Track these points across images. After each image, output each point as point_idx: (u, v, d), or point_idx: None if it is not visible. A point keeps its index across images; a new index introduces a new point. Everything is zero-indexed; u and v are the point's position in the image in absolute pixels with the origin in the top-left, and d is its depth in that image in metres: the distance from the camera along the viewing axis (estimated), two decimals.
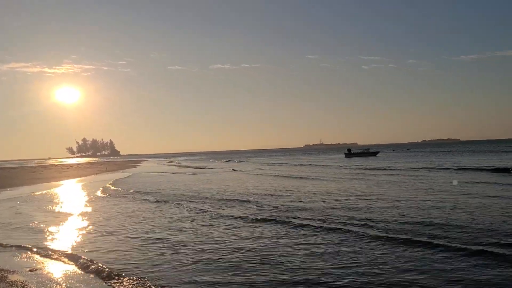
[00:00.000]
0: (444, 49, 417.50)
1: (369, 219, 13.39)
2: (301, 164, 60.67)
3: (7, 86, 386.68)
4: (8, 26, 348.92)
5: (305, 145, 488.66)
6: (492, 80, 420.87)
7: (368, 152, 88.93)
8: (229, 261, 9.27)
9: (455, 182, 19.73)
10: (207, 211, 16.70)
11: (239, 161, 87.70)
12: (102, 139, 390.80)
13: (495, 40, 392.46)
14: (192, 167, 66.31)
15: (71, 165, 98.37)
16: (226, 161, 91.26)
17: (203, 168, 62.51)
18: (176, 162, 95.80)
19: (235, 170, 51.90)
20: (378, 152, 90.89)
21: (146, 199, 22.21)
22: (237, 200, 20.12)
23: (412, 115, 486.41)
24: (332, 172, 38.99)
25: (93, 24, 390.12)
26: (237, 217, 14.91)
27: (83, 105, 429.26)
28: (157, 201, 20.74)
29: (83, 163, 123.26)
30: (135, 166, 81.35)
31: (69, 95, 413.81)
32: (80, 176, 49.08)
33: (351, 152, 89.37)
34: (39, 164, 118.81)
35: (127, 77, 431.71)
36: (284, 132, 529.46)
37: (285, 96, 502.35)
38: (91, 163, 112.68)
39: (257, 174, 41.23)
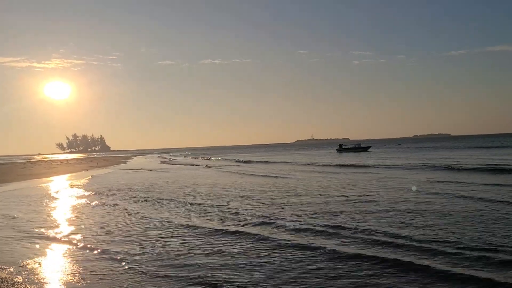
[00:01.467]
0: (433, 45, 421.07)
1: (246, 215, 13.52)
2: (275, 162, 56.62)
3: None
4: None
5: (297, 140, 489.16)
6: (482, 76, 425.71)
7: (359, 147, 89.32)
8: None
9: (414, 188, 19.66)
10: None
11: (213, 159, 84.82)
12: (92, 135, 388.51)
13: (484, 36, 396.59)
14: (177, 164, 66.12)
15: (61, 161, 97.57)
16: (208, 158, 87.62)
17: (187, 164, 61.77)
18: (169, 159, 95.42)
19: (209, 166, 51.65)
20: (369, 147, 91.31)
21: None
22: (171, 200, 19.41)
23: (403, 110, 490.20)
24: (302, 170, 37.45)
25: (82, 18, 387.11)
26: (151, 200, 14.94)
27: (73, 100, 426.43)
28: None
29: (73, 159, 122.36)
30: (125, 162, 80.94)
31: (58, 90, 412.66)
32: (70, 172, 48.70)
33: (342, 147, 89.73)
34: (29, 160, 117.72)
35: (117, 72, 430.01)
36: (276, 127, 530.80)
37: (276, 91, 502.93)
38: (82, 159, 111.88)
39: (225, 171, 40.06)
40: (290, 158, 67.61)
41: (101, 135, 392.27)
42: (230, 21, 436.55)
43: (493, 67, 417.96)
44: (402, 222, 11.88)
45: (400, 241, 9.66)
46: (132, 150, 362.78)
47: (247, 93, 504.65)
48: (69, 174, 44.22)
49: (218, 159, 74.68)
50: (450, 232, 10.49)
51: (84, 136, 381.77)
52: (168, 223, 13.30)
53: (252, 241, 10.42)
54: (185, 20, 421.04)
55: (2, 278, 8.15)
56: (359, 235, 10.44)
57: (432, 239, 9.75)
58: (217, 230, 11.80)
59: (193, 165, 58.32)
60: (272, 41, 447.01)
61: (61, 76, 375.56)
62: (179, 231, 12.04)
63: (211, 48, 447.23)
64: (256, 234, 11.04)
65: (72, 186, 29.23)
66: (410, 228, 11.05)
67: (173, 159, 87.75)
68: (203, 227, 12.31)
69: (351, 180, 25.59)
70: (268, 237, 10.73)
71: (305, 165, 45.53)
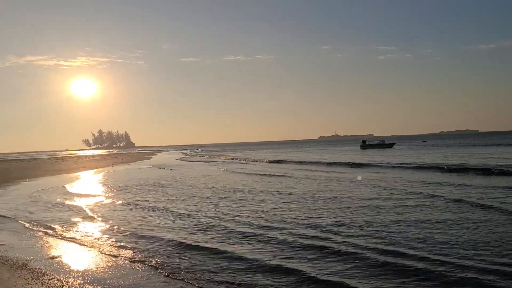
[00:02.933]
0: (461, 38, 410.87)
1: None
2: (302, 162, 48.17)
3: (24, 79, 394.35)
4: (24, 20, 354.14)
5: (320, 136, 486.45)
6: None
7: (383, 143, 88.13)
8: None
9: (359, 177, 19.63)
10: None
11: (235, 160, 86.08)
12: (117, 131, 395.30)
13: None
14: (196, 161, 66.69)
15: (87, 157, 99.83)
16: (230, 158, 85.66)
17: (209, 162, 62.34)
18: (187, 154, 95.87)
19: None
20: (394, 144, 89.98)
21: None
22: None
23: (429, 106, 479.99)
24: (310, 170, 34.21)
25: (106, 17, 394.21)
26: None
27: (99, 97, 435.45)
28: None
29: (99, 155, 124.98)
30: (150, 158, 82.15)
31: (84, 87, 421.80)
32: (96, 168, 49.82)
33: (366, 143, 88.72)
34: (57, 156, 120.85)
35: (141, 69, 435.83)
36: (299, 124, 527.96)
37: (299, 87, 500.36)
38: (107, 155, 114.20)
39: (226, 170, 37.80)
40: (317, 156, 65.96)
41: (125, 132, 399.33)
42: (252, 18, 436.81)
43: None
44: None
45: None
46: (156, 146, 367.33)
47: (270, 89, 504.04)
48: (95, 169, 45.30)
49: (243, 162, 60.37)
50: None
51: (109, 133, 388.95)
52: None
53: None
54: (208, 18, 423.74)
55: (33, 269, 8.47)
56: None
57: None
58: None
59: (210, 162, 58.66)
60: (295, 37, 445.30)
61: (87, 73, 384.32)
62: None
63: (233, 45, 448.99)
64: None
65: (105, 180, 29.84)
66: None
67: (195, 156, 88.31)
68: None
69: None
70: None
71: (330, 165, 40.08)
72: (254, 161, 54.07)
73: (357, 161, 40.50)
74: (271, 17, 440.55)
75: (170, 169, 41.13)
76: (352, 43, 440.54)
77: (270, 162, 49.49)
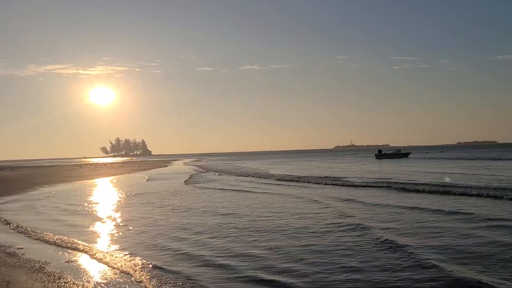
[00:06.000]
0: (479, 49, 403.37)
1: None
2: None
3: (44, 87, 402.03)
4: (43, 29, 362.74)
5: (336, 146, 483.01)
6: None
7: (399, 153, 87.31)
8: None
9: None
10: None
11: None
12: (134, 139, 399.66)
13: None
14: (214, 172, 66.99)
15: (104, 164, 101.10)
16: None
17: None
18: (204, 161, 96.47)
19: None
20: (409, 153, 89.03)
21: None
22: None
23: (446, 117, 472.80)
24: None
25: (124, 26, 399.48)
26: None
27: (116, 105, 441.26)
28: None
29: (116, 162, 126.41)
30: (166, 166, 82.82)
31: (102, 96, 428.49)
32: (114, 175, 50.45)
33: (381, 153, 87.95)
34: (75, 163, 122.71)
35: (158, 78, 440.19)
36: (315, 133, 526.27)
37: (315, 97, 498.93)
38: (124, 163, 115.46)
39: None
40: (329, 170, 66.18)
41: (142, 140, 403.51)
42: (268, 28, 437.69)
43: None
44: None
45: None
46: (172, 155, 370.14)
47: (286, 99, 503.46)
48: (113, 176, 45.87)
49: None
50: None
51: (127, 141, 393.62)
52: None
53: None
54: (224, 27, 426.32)
55: (49, 273, 8.65)
56: None
57: None
58: None
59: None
60: (310, 47, 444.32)
61: (105, 82, 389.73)
62: None
63: (249, 54, 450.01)
64: None
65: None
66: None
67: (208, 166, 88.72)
68: None
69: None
70: None
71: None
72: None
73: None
74: (286, 27, 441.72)
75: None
76: (367, 53, 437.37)
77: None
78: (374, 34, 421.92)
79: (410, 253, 9.21)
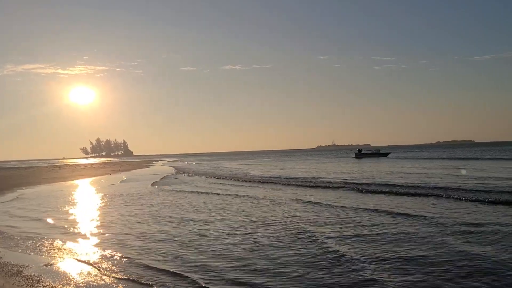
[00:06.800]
0: (456, 50, 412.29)
1: None
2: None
3: (21, 87, 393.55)
4: (22, 28, 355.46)
5: (318, 146, 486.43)
6: (508, 81, 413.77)
7: (378, 152, 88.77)
8: None
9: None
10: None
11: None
12: (115, 140, 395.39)
13: (509, 40, 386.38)
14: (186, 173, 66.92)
15: (85, 165, 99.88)
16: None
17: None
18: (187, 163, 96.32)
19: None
20: (389, 153, 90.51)
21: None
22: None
23: (426, 117, 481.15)
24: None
25: (104, 25, 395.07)
26: None
27: (97, 105, 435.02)
28: None
29: (97, 163, 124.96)
30: (148, 167, 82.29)
31: (82, 95, 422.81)
32: (94, 176, 50.01)
33: (361, 152, 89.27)
34: (54, 164, 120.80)
35: (140, 78, 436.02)
36: (297, 133, 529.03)
37: (297, 97, 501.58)
38: (105, 163, 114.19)
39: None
40: (306, 171, 66.56)
41: (124, 140, 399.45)
42: (250, 28, 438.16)
43: None
44: None
45: None
46: (154, 155, 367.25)
47: (268, 98, 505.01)
48: (94, 177, 45.46)
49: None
50: None
51: (108, 141, 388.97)
52: None
53: None
54: (206, 27, 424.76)
55: (27, 277, 8.70)
56: None
57: None
58: None
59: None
60: (292, 47, 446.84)
61: (85, 82, 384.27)
62: None
63: (231, 54, 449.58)
64: None
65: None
66: None
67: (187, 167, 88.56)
68: None
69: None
70: None
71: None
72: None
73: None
74: (268, 27, 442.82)
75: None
76: (349, 53, 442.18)
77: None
78: (356, 34, 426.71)
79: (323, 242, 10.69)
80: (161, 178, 41.30)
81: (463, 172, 23.24)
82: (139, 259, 9.93)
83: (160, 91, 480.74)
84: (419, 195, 19.99)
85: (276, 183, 30.84)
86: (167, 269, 8.99)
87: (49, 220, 16.28)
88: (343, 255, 9.39)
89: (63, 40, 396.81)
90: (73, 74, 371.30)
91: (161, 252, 10.56)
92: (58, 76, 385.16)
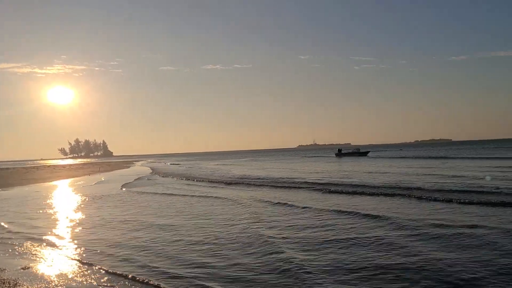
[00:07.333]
0: (435, 50, 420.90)
1: None
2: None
3: None
4: None
5: (299, 145, 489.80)
6: (483, 81, 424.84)
7: (358, 151, 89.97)
8: None
9: None
10: None
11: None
12: (95, 140, 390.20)
13: (486, 41, 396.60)
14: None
15: (63, 166, 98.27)
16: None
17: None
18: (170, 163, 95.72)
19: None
20: (368, 152, 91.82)
21: None
22: None
23: (405, 116, 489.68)
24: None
25: (83, 24, 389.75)
26: None
27: (75, 105, 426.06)
28: None
29: (75, 164, 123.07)
30: (128, 167, 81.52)
31: (61, 95, 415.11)
32: (73, 177, 49.33)
33: (341, 152, 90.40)
34: (32, 165, 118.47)
35: (119, 78, 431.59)
36: (278, 132, 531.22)
37: (278, 96, 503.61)
38: (84, 164, 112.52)
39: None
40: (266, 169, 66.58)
41: (103, 140, 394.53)
42: (230, 27, 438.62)
43: (496, 72, 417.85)
44: None
45: None
46: (134, 155, 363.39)
47: (249, 98, 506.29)
48: (72, 179, 44.84)
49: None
50: None
51: (87, 141, 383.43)
52: None
53: None
54: (186, 26, 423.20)
55: (3, 280, 8.65)
56: None
57: None
58: None
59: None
60: (273, 46, 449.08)
61: (63, 81, 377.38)
62: None
63: (212, 54, 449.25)
64: None
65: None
66: None
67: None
68: None
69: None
70: None
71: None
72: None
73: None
74: (249, 26, 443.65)
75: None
76: (329, 53, 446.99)
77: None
78: (336, 34, 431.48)
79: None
80: (135, 179, 40.91)
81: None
82: (97, 264, 9.81)
83: (140, 90, 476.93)
84: (391, 195, 19.90)
85: (249, 184, 30.45)
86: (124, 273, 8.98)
87: (17, 224, 16.10)
88: (297, 264, 8.94)
89: (40, 39, 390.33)
90: (51, 73, 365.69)
91: (118, 256, 10.44)
92: (35, 75, 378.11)
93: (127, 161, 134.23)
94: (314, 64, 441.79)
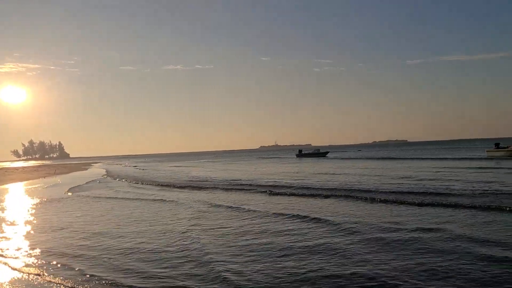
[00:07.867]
0: (391, 54, 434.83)
1: None
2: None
3: None
4: None
5: (261, 146, 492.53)
6: (437, 84, 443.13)
7: (318, 152, 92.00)
8: None
9: None
10: None
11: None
12: (50, 141, 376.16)
13: (439, 46, 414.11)
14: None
15: (16, 168, 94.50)
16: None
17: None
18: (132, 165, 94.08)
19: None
20: (327, 153, 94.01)
21: None
22: None
23: (363, 117, 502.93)
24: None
25: (37, 20, 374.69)
26: None
27: (29, 106, 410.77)
28: None
29: (29, 166, 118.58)
30: (86, 169, 79.53)
31: (13, 95, 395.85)
32: (26, 180, 47.72)
33: (301, 152, 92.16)
34: None
35: (76, 77, 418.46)
36: (240, 133, 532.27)
37: (240, 97, 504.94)
38: (39, 166, 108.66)
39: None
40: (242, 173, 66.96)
41: (59, 142, 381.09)
42: (192, 27, 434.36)
43: (448, 75, 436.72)
44: None
45: None
46: (92, 157, 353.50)
47: (210, 99, 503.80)
48: (25, 181, 43.37)
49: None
50: None
51: (41, 143, 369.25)
52: None
53: None
54: (146, 25, 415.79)
55: None
56: None
57: None
58: None
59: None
60: (235, 47, 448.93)
61: (16, 80, 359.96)
62: None
63: (173, 54, 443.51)
64: None
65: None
66: None
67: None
68: None
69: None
70: None
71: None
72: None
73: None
74: (211, 27, 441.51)
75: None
76: (290, 55, 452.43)
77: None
78: (297, 36, 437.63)
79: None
80: (86, 182, 39.77)
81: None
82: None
83: (98, 90, 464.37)
84: (339, 196, 20.10)
85: (201, 188, 29.26)
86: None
87: None
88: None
89: None
90: (2, 72, 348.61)
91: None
92: None
93: (85, 163, 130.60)
94: (276, 66, 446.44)
